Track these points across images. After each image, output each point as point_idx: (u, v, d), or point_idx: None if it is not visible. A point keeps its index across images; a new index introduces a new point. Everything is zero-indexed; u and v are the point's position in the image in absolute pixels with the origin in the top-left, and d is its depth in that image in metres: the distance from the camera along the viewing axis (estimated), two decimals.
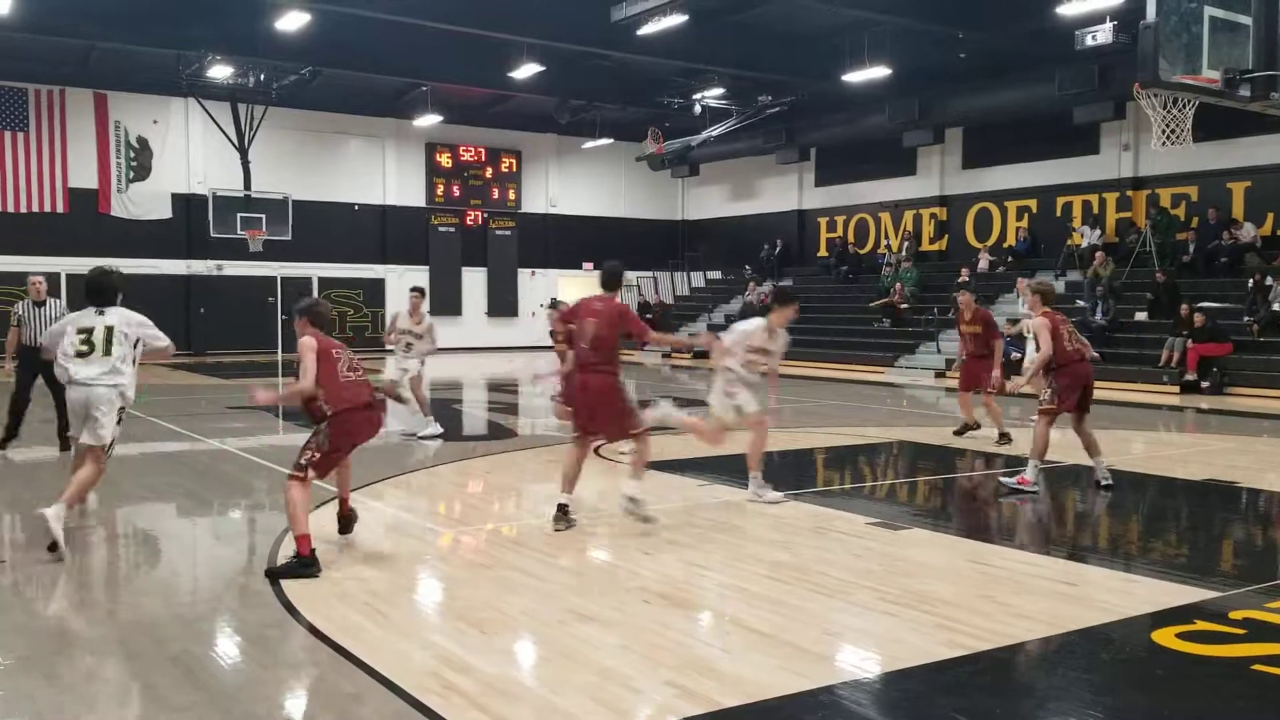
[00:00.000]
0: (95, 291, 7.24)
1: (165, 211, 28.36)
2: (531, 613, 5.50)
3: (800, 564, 6.46)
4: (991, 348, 12.18)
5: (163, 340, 7.44)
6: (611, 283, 7.64)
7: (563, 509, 7.44)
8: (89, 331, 7.04)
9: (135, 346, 7.22)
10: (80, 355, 6.99)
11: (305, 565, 6.10)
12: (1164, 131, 8.29)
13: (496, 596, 5.76)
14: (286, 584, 5.94)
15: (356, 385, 6.72)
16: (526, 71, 24.25)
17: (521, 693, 4.44)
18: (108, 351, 7.02)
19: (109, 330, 7.05)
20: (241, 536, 7.79)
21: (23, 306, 10.98)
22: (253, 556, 6.91)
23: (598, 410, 7.46)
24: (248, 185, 27.33)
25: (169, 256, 28.24)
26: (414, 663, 4.71)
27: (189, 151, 28.58)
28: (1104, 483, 9.10)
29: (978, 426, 12.38)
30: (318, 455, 6.45)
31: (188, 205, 28.36)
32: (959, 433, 12.41)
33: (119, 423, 7.14)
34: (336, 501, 7.16)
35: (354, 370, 6.79)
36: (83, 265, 28.16)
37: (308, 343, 6.70)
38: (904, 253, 28.09)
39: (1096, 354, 10.50)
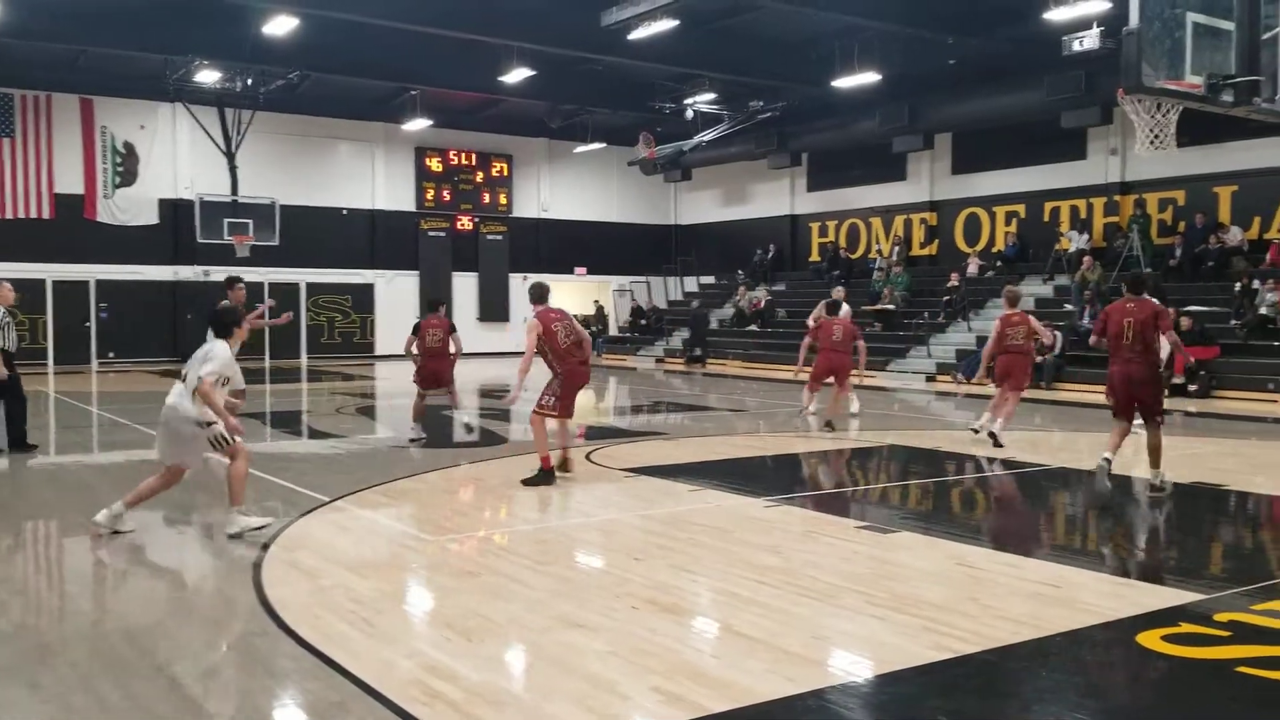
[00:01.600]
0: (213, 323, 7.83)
1: (152, 217, 28.27)
2: (519, 620, 5.49)
3: (789, 568, 6.46)
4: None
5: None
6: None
7: None
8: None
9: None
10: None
11: (547, 476, 9.06)
12: (1149, 136, 8.32)
13: (483, 604, 5.74)
14: (271, 592, 5.92)
15: (572, 347, 9.21)
16: (517, 76, 24.24)
17: (508, 700, 4.43)
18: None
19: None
20: (228, 545, 7.75)
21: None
22: (238, 565, 6.88)
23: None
24: (235, 190, 27.26)
25: (156, 262, 28.16)
26: (399, 671, 4.70)
27: (176, 156, 28.49)
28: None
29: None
30: (554, 399, 9.23)
31: (174, 211, 28.26)
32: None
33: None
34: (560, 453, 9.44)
35: (569, 336, 9.16)
36: (68, 272, 28.15)
37: (532, 324, 9.19)
38: (894, 257, 28.15)
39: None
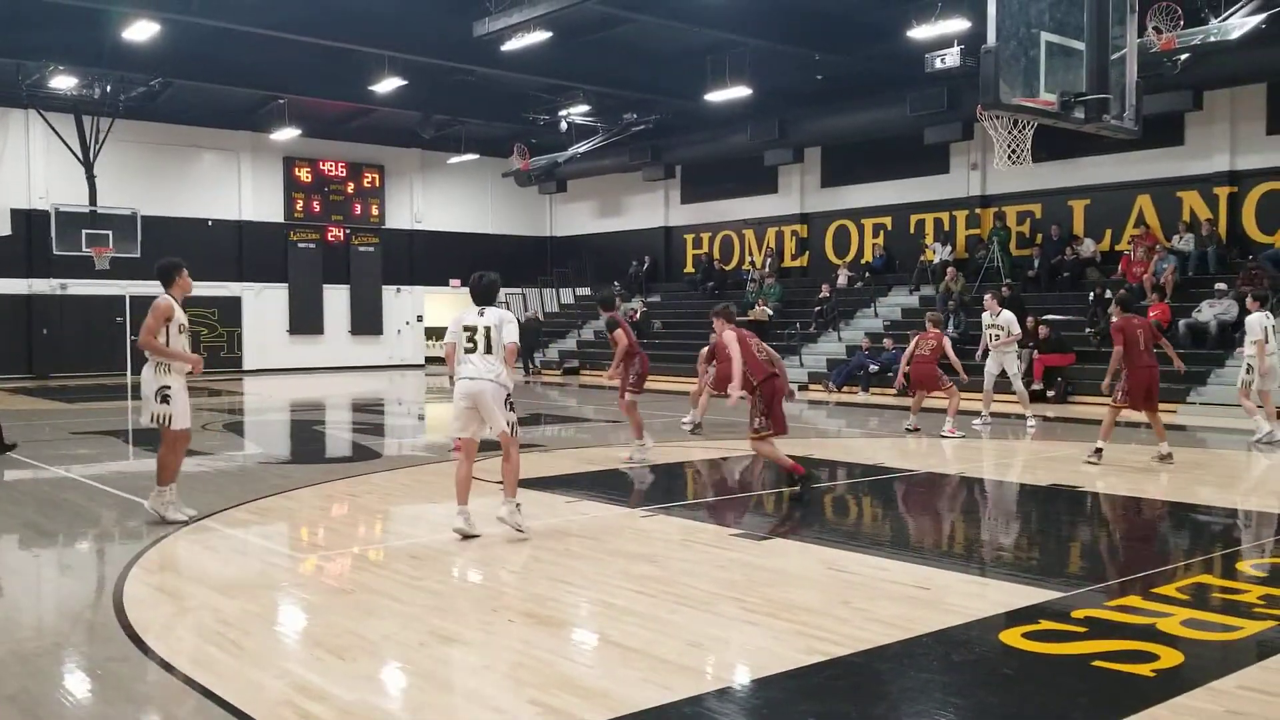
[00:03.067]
0: (478, 293, 7.93)
1: (4, 228, 26.93)
2: (392, 636, 5.39)
3: (666, 577, 6.50)
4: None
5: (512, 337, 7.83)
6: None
7: None
8: (472, 330, 7.71)
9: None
10: (468, 352, 7.70)
11: (807, 478, 9.24)
12: (1007, 151, 8.67)
13: (356, 621, 5.63)
14: (134, 616, 5.70)
15: (765, 364, 9.22)
16: (388, 85, 23.90)
17: (381, 717, 4.34)
18: (489, 349, 7.66)
19: (488, 330, 7.68)
20: (88, 568, 7.43)
21: None
22: (100, 589, 6.59)
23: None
24: (93, 200, 26.21)
25: (8, 275, 26.86)
26: (268, 692, 4.56)
27: (30, 165, 27.26)
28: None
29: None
30: (764, 419, 9.03)
31: (28, 221, 27.00)
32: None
33: (511, 408, 7.79)
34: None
35: (760, 351, 9.27)
36: None
37: (730, 336, 9.23)
38: (767, 269, 28.65)
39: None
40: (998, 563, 7.36)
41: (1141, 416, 11.99)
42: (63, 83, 23.64)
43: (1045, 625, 5.47)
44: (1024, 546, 8.08)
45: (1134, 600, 5.93)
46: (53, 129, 25.82)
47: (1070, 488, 9.97)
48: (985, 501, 10.00)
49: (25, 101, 25.16)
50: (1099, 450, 11.23)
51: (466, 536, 7.59)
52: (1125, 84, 8.39)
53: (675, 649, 5.10)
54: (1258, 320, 13.20)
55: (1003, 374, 15.69)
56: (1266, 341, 13.13)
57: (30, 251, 27.03)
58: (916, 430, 14.50)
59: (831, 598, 6.00)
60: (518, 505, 7.71)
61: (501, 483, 7.93)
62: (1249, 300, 13.77)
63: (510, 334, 7.68)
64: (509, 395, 7.73)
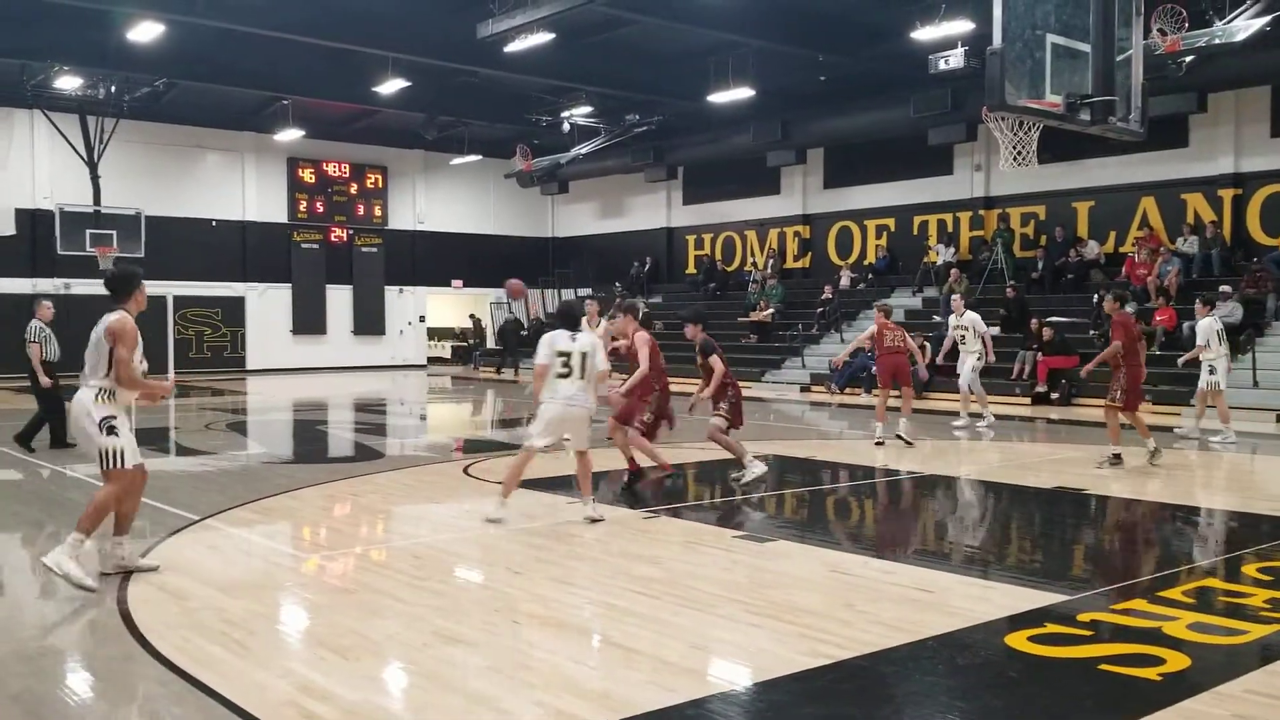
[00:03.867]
0: (567, 318, 8.36)
1: (9, 228, 26.93)
2: (396, 636, 5.39)
3: (670, 579, 6.49)
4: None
5: (604, 365, 8.34)
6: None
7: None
8: (567, 355, 8.03)
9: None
10: (561, 376, 8.03)
11: (636, 480, 10.02)
12: (1011, 153, 8.66)
13: (360, 621, 5.62)
14: (138, 616, 5.69)
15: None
16: (392, 87, 23.90)
17: (384, 718, 4.34)
18: (583, 375, 8.04)
19: (583, 355, 8.06)
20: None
21: (43, 326, 12.54)
22: (103, 588, 6.58)
23: None
24: (98, 200, 26.20)
25: (12, 275, 26.84)
26: (272, 692, 4.56)
27: (34, 165, 27.26)
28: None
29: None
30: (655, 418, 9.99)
31: (33, 221, 27.00)
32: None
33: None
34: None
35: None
36: None
37: (643, 337, 9.66)
38: (769, 270, 28.63)
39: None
40: (1001, 565, 7.35)
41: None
42: (68, 83, 23.64)
43: (1051, 628, 5.46)
44: (1027, 549, 8.07)
45: (1139, 604, 5.92)
46: (57, 129, 25.82)
47: (1074, 490, 9.95)
48: (988, 504, 9.98)
49: (30, 101, 25.15)
50: (1118, 455, 11.09)
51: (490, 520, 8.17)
52: (1131, 86, 8.37)
53: (679, 651, 5.09)
54: (1208, 325, 13.66)
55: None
56: (1219, 344, 13.64)
57: (34, 251, 27.02)
58: (883, 444, 12.96)
59: (834, 600, 5.99)
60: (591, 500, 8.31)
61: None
62: (1199, 305, 14.13)
63: (602, 361, 8.19)
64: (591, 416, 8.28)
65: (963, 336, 15.63)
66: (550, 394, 8.08)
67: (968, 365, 15.57)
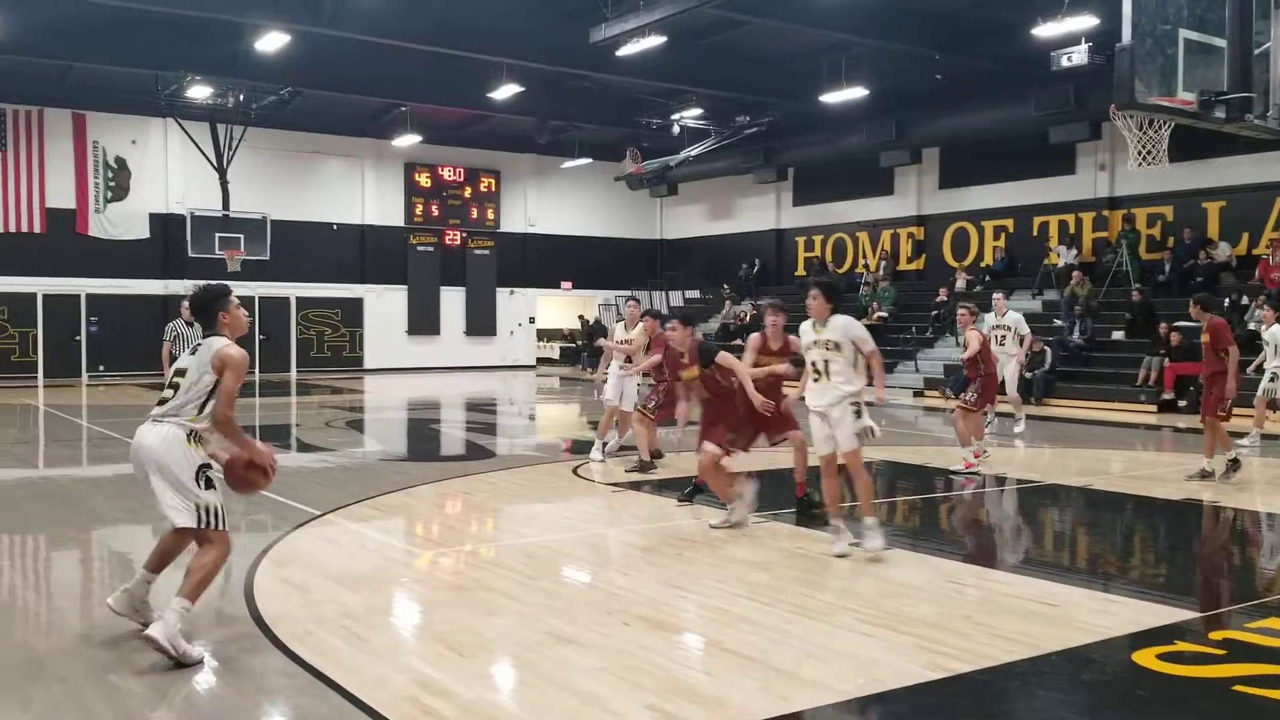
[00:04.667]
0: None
1: (143, 231, 28.17)
2: (509, 635, 5.46)
3: (781, 585, 6.44)
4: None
5: (869, 344, 7.51)
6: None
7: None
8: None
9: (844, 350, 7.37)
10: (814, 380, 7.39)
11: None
12: (1140, 153, 8.36)
13: (474, 619, 5.71)
14: (263, 606, 5.88)
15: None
16: (506, 92, 24.26)
17: (501, 716, 4.39)
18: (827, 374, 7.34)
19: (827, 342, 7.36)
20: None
21: (178, 325, 12.58)
22: (228, 580, 6.82)
23: None
24: (226, 205, 27.18)
25: (146, 276, 28.03)
26: (391, 686, 4.66)
27: (168, 171, 28.42)
28: None
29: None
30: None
31: (165, 225, 28.17)
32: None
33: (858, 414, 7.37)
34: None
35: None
36: (59, 285, 28.03)
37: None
38: (881, 272, 28.22)
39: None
40: (1126, 579, 7.10)
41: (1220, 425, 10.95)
42: (199, 92, 24.57)
43: (1181, 646, 5.25)
44: (1153, 562, 7.79)
45: (1276, 622, 5.65)
46: (189, 137, 26.86)
47: (1205, 502, 9.56)
48: (1110, 514, 9.66)
49: (164, 111, 26.22)
50: (1236, 461, 10.60)
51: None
52: (1271, 81, 8.01)
53: (792, 659, 5.03)
54: (1275, 333, 13.96)
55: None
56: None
57: (167, 254, 28.17)
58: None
59: (952, 612, 5.86)
60: (875, 523, 7.30)
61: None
62: (1264, 310, 14.15)
63: (864, 340, 7.39)
64: (856, 404, 7.30)
65: (1002, 338, 14.68)
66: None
67: (1010, 369, 14.80)
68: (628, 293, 34.64)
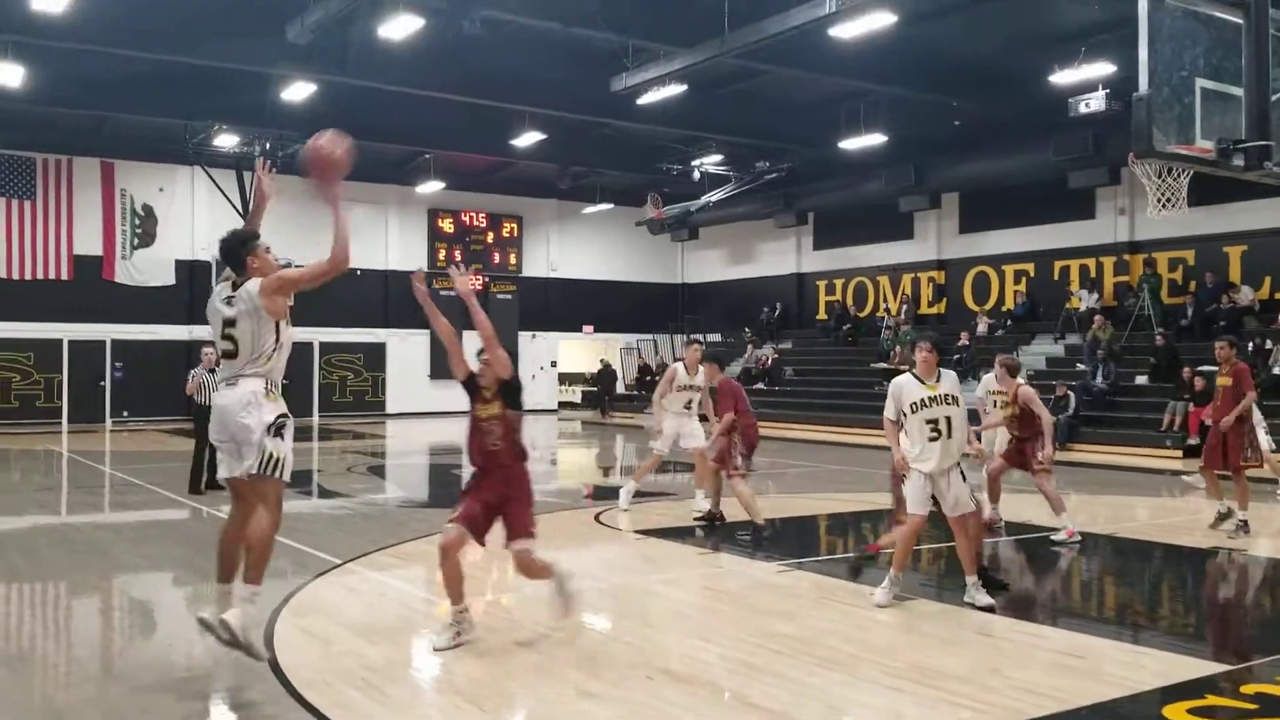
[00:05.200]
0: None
1: (169, 278, 28.47)
2: (530, 688, 5.42)
3: (805, 636, 6.38)
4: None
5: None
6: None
7: None
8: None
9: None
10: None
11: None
12: (1159, 199, 8.35)
13: (494, 671, 5.68)
14: (284, 658, 5.86)
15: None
16: (528, 139, 24.52)
17: None
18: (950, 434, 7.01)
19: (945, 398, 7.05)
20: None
21: (200, 372, 12.96)
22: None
23: None
24: None
25: (172, 322, 28.27)
26: None
27: (194, 218, 28.75)
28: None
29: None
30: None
31: (191, 271, 28.46)
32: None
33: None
34: None
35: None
36: (85, 331, 28.16)
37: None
38: (903, 316, 28.19)
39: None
40: (1155, 630, 7.00)
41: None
42: (225, 141, 24.93)
43: (1212, 700, 5.17)
44: (1182, 613, 7.68)
45: None
46: (215, 184, 27.22)
47: (1233, 550, 9.44)
48: (1138, 564, 9.54)
49: (191, 159, 26.62)
50: (1245, 520, 10.18)
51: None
52: None
53: (817, 713, 4.98)
54: None
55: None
56: None
57: (192, 300, 28.42)
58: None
59: (980, 664, 5.79)
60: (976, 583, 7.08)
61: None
62: None
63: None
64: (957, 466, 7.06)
65: (996, 403, 13.22)
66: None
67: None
68: (648, 336, 34.95)
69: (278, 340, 5.61)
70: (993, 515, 10.25)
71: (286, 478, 5.59)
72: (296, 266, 5.90)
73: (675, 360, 11.52)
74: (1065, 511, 9.82)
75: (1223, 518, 10.34)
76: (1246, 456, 10.35)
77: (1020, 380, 10.13)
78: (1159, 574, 9.21)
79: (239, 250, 5.88)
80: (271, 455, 5.49)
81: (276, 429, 5.54)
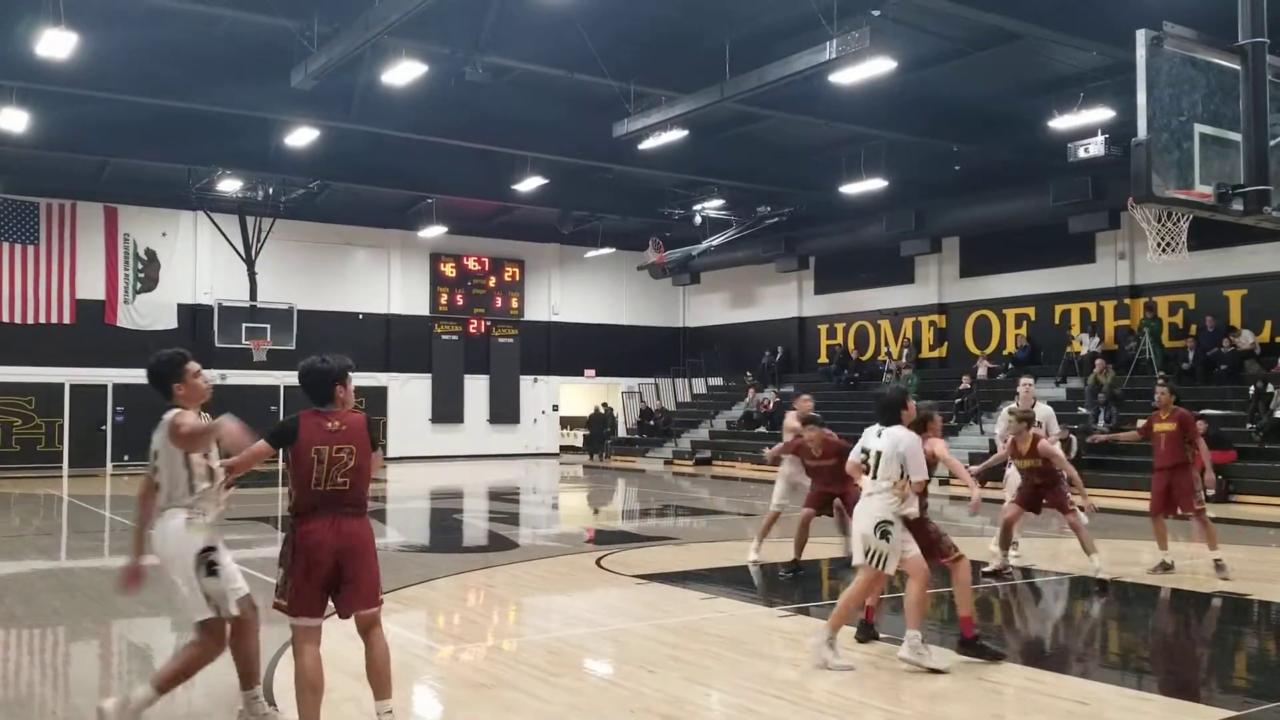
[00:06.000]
0: (880, 409, 7.21)
1: (171, 322, 28.53)
2: None
3: (808, 683, 6.33)
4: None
5: (921, 474, 6.90)
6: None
7: None
8: (867, 452, 7.04)
9: (901, 475, 6.81)
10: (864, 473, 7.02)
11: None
12: (1159, 244, 8.38)
13: (495, 718, 5.63)
14: (282, 705, 5.81)
15: None
16: (530, 184, 24.68)
17: None
18: (874, 474, 6.92)
19: (878, 455, 6.92)
20: None
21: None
22: None
23: None
24: (254, 295, 27.58)
25: None
26: None
27: (196, 263, 28.89)
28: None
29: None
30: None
31: (193, 315, 28.54)
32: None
33: (885, 538, 6.80)
34: None
35: None
36: (87, 375, 28.13)
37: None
38: (904, 360, 28.21)
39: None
40: (1158, 675, 6.94)
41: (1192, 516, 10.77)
42: (229, 186, 25.10)
43: None
44: (1186, 658, 7.62)
45: None
46: (218, 229, 27.38)
47: (1237, 595, 9.38)
48: (1140, 608, 9.48)
49: (195, 204, 26.80)
50: (1218, 562, 10.17)
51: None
52: None
53: None
54: None
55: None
56: None
57: (194, 344, 28.43)
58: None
59: (984, 711, 5.74)
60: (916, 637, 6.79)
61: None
62: None
63: (904, 465, 6.79)
64: (879, 523, 6.81)
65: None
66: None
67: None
68: (650, 380, 34.93)
69: (190, 481, 5.24)
70: (1002, 563, 10.20)
71: (233, 610, 5.33)
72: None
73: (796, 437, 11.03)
74: (1095, 552, 9.77)
75: (1166, 568, 10.32)
76: (1201, 500, 10.41)
77: (1037, 430, 10.14)
78: (1161, 619, 9.15)
79: (164, 377, 5.45)
80: (207, 595, 5.22)
81: (208, 566, 5.24)
